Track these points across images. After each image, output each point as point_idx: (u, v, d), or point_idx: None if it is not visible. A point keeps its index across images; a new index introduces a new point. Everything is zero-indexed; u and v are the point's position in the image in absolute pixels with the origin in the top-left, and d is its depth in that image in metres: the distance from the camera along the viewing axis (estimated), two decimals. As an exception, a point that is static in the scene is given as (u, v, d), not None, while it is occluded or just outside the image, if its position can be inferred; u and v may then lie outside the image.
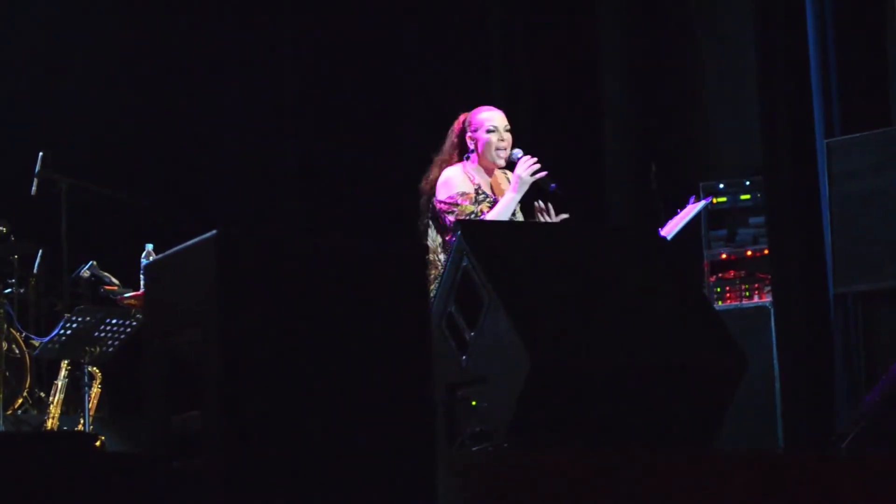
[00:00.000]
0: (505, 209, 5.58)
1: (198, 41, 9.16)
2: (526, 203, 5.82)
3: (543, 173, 5.60)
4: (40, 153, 7.51)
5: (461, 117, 5.81)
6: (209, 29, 9.20)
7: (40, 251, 8.06)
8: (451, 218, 5.61)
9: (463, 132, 5.77)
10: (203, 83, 9.10)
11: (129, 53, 9.08)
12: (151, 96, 9.06)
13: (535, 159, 5.62)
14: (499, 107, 5.87)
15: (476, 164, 5.75)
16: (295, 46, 9.43)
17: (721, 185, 7.79)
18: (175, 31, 9.14)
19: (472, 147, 5.75)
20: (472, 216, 5.59)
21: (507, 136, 5.74)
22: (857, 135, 6.75)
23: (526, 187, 5.60)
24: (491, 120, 5.74)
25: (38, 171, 7.48)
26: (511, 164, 5.75)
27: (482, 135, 5.73)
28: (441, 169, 5.74)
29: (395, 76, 9.19)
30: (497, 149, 5.70)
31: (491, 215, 5.58)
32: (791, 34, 7.26)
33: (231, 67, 9.21)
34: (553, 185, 5.63)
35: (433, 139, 5.90)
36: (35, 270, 8.08)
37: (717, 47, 8.44)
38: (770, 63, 7.34)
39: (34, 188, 7.48)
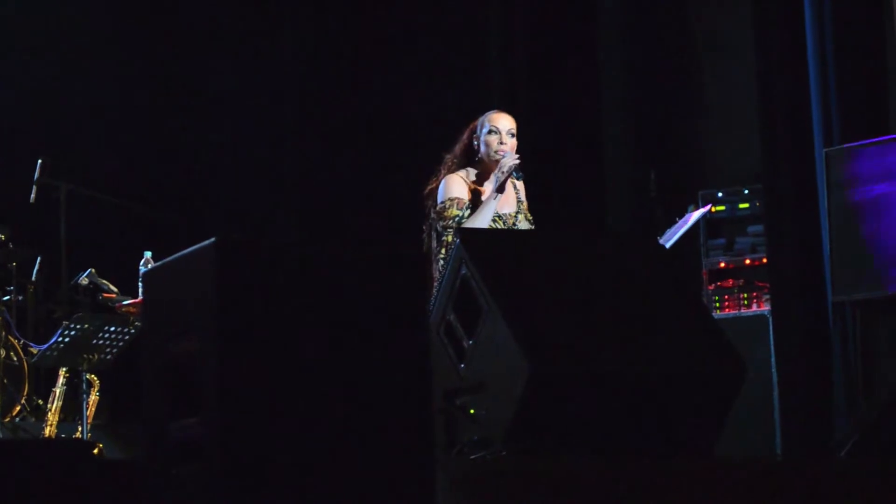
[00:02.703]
0: (484, 208, 5.52)
1: (197, 47, 9.16)
2: (531, 210, 5.80)
3: (515, 162, 5.54)
4: (39, 160, 7.51)
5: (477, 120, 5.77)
6: (209, 35, 9.21)
7: (39, 258, 8.07)
8: (440, 224, 5.58)
9: (472, 133, 5.71)
10: (202, 89, 9.10)
11: (127, 59, 9.08)
12: (150, 103, 9.07)
13: (517, 156, 5.57)
14: (498, 110, 5.79)
15: (483, 168, 5.67)
16: (294, 50, 9.43)
17: (720, 194, 7.79)
18: (174, 37, 9.15)
19: (476, 148, 5.69)
20: (455, 220, 5.53)
21: (510, 141, 5.66)
22: (856, 143, 6.75)
23: (501, 183, 5.53)
24: (494, 121, 5.68)
25: (37, 178, 7.48)
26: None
27: (484, 135, 5.67)
28: (447, 171, 5.68)
29: (394, 78, 9.18)
30: (496, 151, 5.62)
31: (472, 216, 5.53)
32: (790, 43, 7.26)
33: (230, 73, 9.21)
34: (519, 173, 5.56)
35: (432, 143, 5.87)
36: (33, 277, 8.09)
37: (717, 55, 8.45)
38: (769, 72, 7.34)
39: (33, 195, 7.48)
